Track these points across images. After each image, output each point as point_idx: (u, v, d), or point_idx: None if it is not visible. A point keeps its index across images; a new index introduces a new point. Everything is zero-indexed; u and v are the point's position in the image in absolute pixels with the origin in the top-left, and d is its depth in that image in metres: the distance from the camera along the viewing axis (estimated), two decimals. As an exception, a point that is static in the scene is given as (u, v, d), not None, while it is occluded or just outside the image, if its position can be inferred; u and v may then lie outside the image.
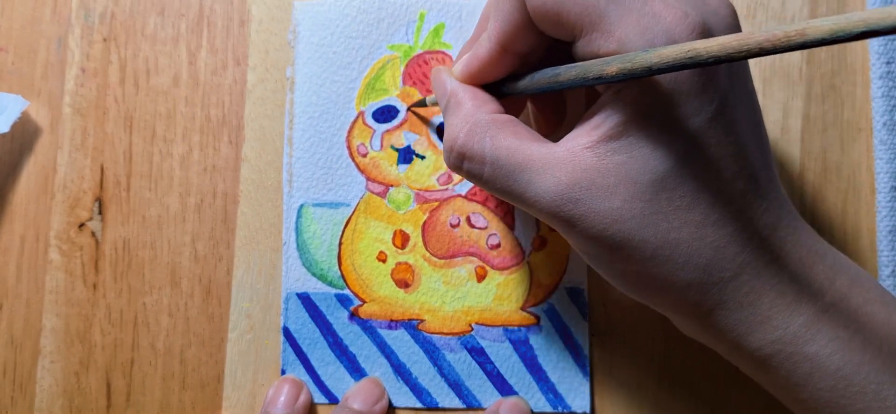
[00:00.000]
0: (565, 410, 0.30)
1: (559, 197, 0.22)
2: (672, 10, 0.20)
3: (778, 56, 0.31)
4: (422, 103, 0.30)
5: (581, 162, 0.21)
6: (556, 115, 0.28)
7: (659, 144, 0.21)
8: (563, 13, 0.21)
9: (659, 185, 0.21)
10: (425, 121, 0.31)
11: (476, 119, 0.24)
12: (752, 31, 0.17)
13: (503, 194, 0.23)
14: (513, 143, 0.23)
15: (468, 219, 0.31)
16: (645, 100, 0.21)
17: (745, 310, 0.22)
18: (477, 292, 0.30)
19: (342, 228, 0.31)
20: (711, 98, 0.21)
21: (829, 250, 0.23)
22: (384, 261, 0.31)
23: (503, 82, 0.26)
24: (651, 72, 0.19)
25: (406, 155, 0.31)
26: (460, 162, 0.24)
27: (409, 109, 0.31)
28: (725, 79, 0.21)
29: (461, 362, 0.30)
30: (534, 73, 0.24)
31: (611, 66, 0.20)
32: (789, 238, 0.22)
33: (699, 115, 0.21)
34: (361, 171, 0.31)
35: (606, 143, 0.21)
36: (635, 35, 0.20)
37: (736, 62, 0.20)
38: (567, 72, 0.22)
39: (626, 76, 0.19)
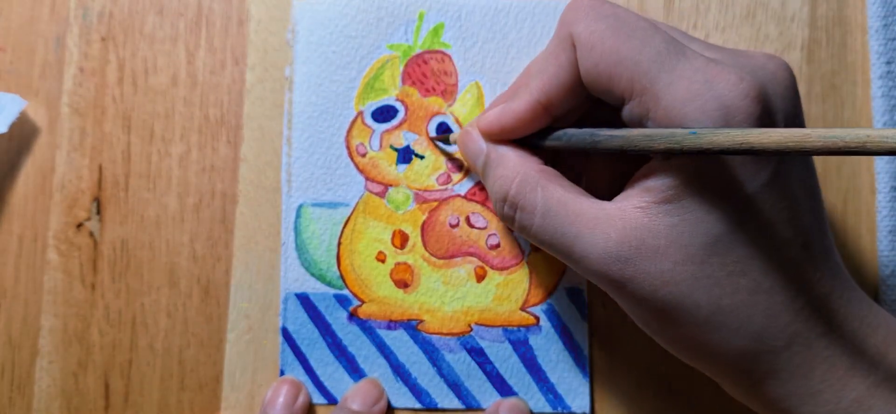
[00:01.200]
0: (565, 411, 0.30)
1: (608, 254, 0.21)
2: (727, 75, 0.20)
3: (778, 56, 0.30)
4: (444, 140, 0.30)
5: (632, 221, 0.21)
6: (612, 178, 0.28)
7: (712, 208, 0.20)
8: (616, 77, 0.21)
9: (711, 249, 0.21)
10: (446, 153, 0.31)
11: (526, 171, 0.24)
12: (810, 132, 0.16)
13: (551, 247, 0.23)
14: (564, 195, 0.23)
15: (467, 219, 0.31)
16: (698, 164, 0.20)
17: (797, 381, 0.21)
18: (476, 293, 0.30)
19: (341, 228, 0.31)
20: (766, 163, 0.20)
21: (885, 320, 0.22)
22: (383, 261, 0.31)
23: (531, 137, 0.25)
24: (702, 155, 0.18)
25: (405, 155, 0.31)
26: (513, 211, 0.24)
27: (431, 140, 0.31)
28: None
29: (460, 363, 0.30)
30: (569, 131, 0.24)
31: (657, 143, 0.19)
32: (843, 308, 0.22)
33: (754, 180, 0.20)
34: (360, 171, 0.31)
35: (659, 205, 0.21)
36: (684, 102, 0.20)
37: (793, 125, 0.20)
38: (608, 140, 0.21)
39: (674, 154, 0.19)
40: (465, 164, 0.31)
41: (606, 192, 0.24)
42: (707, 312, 0.21)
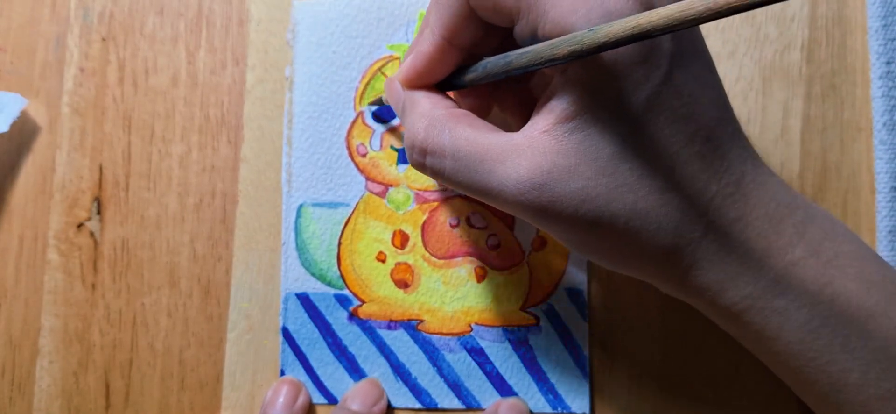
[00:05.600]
0: (565, 411, 0.30)
1: (521, 183, 0.21)
2: None
3: (777, 56, 0.31)
4: (378, 102, 0.30)
5: (540, 146, 0.21)
6: (525, 112, 0.28)
7: (613, 118, 0.21)
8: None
9: (619, 157, 0.21)
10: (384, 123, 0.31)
11: (433, 115, 0.24)
12: (694, 1, 0.17)
13: (468, 189, 0.23)
14: (471, 133, 0.23)
15: (468, 219, 0.31)
16: (592, 77, 0.21)
17: (718, 268, 0.22)
18: (476, 293, 0.30)
19: (341, 228, 0.31)
20: (658, 63, 0.21)
21: (801, 203, 0.23)
22: (383, 261, 0.31)
23: (453, 77, 0.25)
24: (601, 49, 0.19)
25: (405, 155, 0.31)
26: (423, 157, 0.24)
27: (369, 106, 0.31)
28: (670, 43, 0.21)
29: (460, 363, 0.30)
30: (485, 61, 0.24)
31: (560, 49, 0.20)
32: (755, 192, 0.22)
33: (647, 83, 0.21)
34: (361, 171, 0.31)
35: (562, 124, 0.21)
36: (571, 12, 0.20)
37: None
38: (519, 58, 0.22)
39: (577, 56, 0.20)
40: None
41: None
42: (625, 219, 0.21)
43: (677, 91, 0.21)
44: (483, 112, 0.28)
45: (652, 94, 0.21)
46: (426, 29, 0.25)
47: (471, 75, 0.25)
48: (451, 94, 0.26)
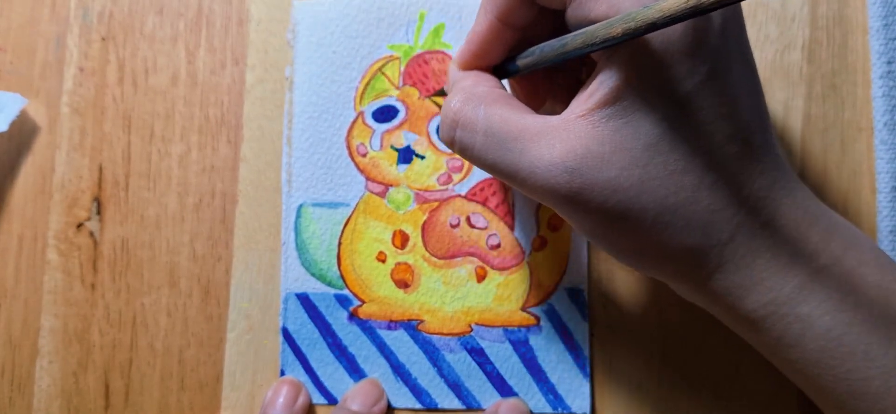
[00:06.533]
0: (565, 411, 0.30)
1: (554, 166, 0.21)
2: None
3: (778, 56, 0.30)
4: (441, 93, 0.30)
5: (575, 130, 0.21)
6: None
7: (651, 108, 0.21)
8: None
9: (654, 150, 0.21)
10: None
11: (473, 91, 0.24)
12: None
13: (495, 168, 0.23)
14: (507, 112, 0.23)
15: (468, 219, 0.31)
16: (636, 64, 0.21)
17: (742, 272, 0.22)
18: (477, 293, 0.30)
19: (341, 227, 0.31)
20: (704, 59, 0.21)
21: (826, 213, 0.23)
22: (384, 261, 0.31)
23: (508, 63, 0.25)
24: (655, 27, 0.19)
25: (406, 155, 0.31)
26: (454, 129, 0.24)
27: (428, 98, 0.31)
28: (718, 39, 0.21)
29: (461, 363, 0.30)
30: (540, 46, 0.24)
31: (615, 28, 0.20)
32: (785, 200, 0.22)
33: (691, 77, 0.21)
34: (361, 171, 0.31)
35: (600, 110, 0.21)
36: None
37: (731, 24, 0.20)
38: (574, 40, 0.22)
39: (631, 35, 0.19)
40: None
41: None
42: (654, 214, 0.21)
43: (720, 89, 0.21)
44: (536, 105, 0.27)
45: (694, 89, 0.21)
46: (481, 10, 0.25)
47: (525, 59, 0.24)
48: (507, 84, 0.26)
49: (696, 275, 0.22)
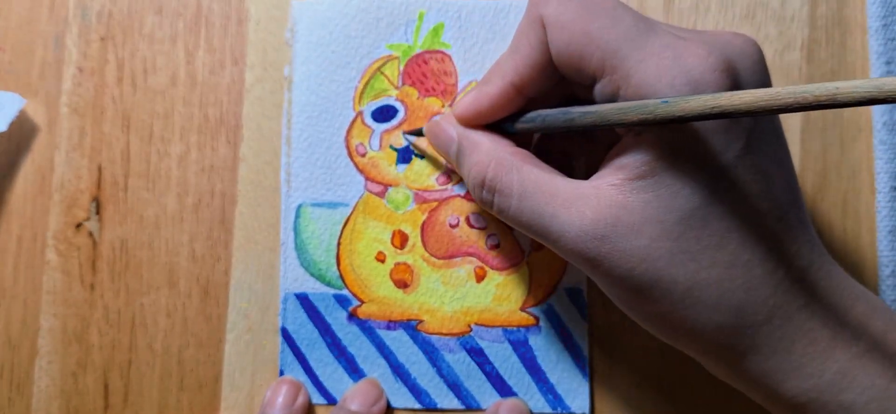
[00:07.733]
0: (564, 412, 0.30)
1: (584, 233, 0.21)
2: (694, 50, 0.20)
3: (777, 55, 0.30)
4: (418, 132, 0.30)
5: (607, 199, 0.21)
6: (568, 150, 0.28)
7: (686, 182, 0.20)
8: (587, 56, 0.21)
9: (686, 224, 0.20)
10: (421, 149, 0.31)
11: (501, 154, 0.24)
12: (780, 90, 0.16)
13: (529, 228, 0.23)
14: (540, 176, 0.23)
15: (467, 219, 0.31)
16: (670, 139, 0.20)
17: (779, 356, 0.21)
18: (476, 293, 0.30)
19: (341, 228, 0.31)
20: (737, 135, 0.20)
21: (863, 293, 0.22)
22: (383, 261, 0.31)
23: (503, 120, 0.25)
24: (673, 122, 0.19)
25: (405, 155, 0.31)
26: (491, 195, 0.24)
27: (405, 135, 0.31)
28: (751, 119, 0.21)
29: (460, 363, 0.30)
30: (544, 113, 0.24)
31: (630, 115, 0.19)
32: (822, 281, 0.22)
33: (725, 153, 0.20)
34: (360, 170, 0.31)
35: (633, 181, 0.21)
36: (655, 78, 0.20)
37: None
38: (582, 117, 0.21)
39: (646, 124, 0.19)
40: (435, 154, 0.30)
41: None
42: (684, 288, 0.21)
43: (755, 164, 0.21)
44: (525, 146, 0.28)
45: (729, 164, 0.20)
46: (497, 71, 0.25)
47: (525, 124, 0.24)
48: None
49: (727, 355, 0.22)
